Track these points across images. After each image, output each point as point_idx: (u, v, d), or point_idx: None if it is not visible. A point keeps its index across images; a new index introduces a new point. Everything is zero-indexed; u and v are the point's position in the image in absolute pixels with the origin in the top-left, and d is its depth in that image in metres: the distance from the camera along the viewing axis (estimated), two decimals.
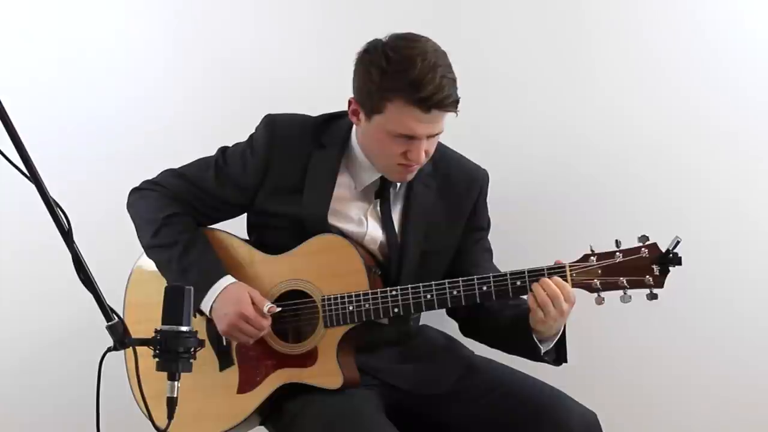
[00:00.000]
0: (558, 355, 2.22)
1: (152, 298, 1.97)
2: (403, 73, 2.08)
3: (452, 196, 2.33)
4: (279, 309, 2.22)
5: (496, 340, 2.34)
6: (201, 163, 2.36)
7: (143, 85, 2.92)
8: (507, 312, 2.25)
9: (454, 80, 2.13)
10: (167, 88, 2.93)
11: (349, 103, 2.21)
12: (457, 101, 2.13)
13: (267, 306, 2.20)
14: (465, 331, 2.42)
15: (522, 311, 2.17)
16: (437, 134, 2.17)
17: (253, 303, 2.20)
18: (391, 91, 2.10)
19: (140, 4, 2.94)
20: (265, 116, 2.32)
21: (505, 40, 2.83)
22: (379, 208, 2.29)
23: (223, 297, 2.21)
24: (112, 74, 2.92)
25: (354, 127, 2.29)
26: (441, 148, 2.31)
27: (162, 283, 2.25)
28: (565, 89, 2.82)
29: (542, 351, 2.18)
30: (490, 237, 2.41)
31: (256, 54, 2.91)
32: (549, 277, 2.09)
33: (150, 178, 2.39)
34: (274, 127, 2.30)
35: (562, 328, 2.19)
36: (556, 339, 2.19)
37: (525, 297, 2.15)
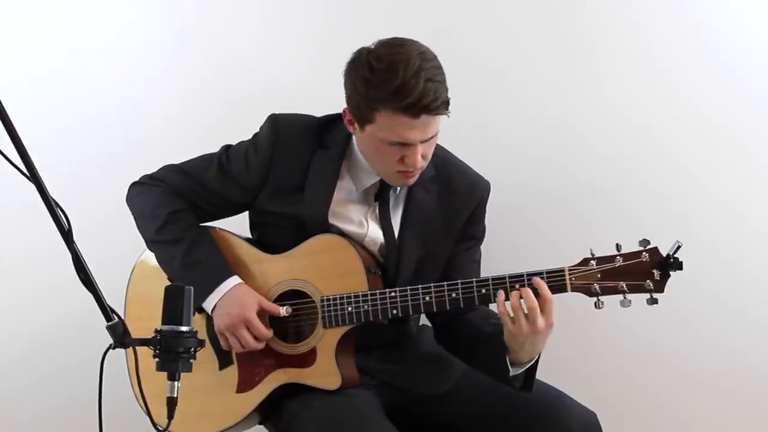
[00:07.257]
0: (524, 384, 2.18)
1: (154, 294, 1.96)
2: (386, 82, 2.05)
3: (451, 204, 2.31)
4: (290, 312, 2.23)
5: (468, 351, 2.29)
6: (203, 160, 2.35)
7: (144, 85, 2.92)
8: (487, 328, 2.23)
9: (441, 82, 2.09)
10: (168, 88, 2.94)
11: (344, 112, 2.20)
12: (446, 102, 2.10)
13: (284, 309, 2.21)
14: (439, 338, 2.38)
15: (501, 329, 2.13)
16: (432, 137, 2.14)
17: (265, 309, 2.20)
18: (377, 102, 2.08)
19: (141, 4, 2.94)
20: (270, 116, 2.31)
21: (504, 41, 2.83)
22: (378, 211, 2.29)
23: (229, 296, 2.20)
24: (113, 74, 2.92)
25: None
26: (445, 155, 2.31)
27: (165, 279, 2.26)
28: (566, 91, 2.82)
29: (510, 372, 2.14)
30: (490, 240, 2.40)
31: (257, 54, 2.91)
32: (547, 281, 2.06)
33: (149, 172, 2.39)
34: (278, 126, 2.29)
35: (536, 359, 2.15)
36: (528, 366, 2.15)
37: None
